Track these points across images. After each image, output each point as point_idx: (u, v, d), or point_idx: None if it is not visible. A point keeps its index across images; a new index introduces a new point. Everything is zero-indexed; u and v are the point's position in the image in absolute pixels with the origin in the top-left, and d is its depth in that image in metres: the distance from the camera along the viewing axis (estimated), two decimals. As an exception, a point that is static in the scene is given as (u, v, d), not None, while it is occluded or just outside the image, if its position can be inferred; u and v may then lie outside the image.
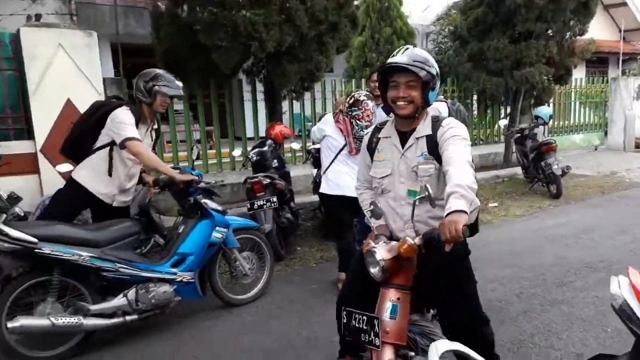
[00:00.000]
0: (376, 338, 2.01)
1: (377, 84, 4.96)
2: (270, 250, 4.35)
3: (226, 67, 6.17)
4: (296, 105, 8.16)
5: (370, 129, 2.58)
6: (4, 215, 4.05)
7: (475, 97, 10.73)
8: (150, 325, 3.68)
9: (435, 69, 2.28)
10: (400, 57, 2.25)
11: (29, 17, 5.65)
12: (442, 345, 1.84)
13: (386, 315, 2.07)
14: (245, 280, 4.13)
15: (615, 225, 6.13)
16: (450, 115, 4.39)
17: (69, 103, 5.33)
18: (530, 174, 8.37)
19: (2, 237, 2.95)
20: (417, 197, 2.14)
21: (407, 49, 2.31)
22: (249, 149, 6.33)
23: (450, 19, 11.63)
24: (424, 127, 2.32)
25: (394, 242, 2.16)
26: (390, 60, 2.28)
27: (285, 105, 7.82)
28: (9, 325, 2.97)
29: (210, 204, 3.83)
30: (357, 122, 4.02)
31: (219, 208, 3.88)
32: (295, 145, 6.61)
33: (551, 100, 12.03)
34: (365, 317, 2.06)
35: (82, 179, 3.64)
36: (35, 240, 3.00)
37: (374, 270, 2.10)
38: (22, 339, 3.17)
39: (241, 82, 7.61)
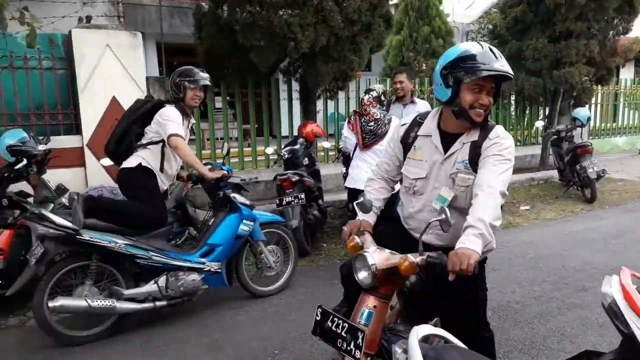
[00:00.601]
0: (357, 350, 1.91)
1: (401, 84, 5.09)
2: (294, 244, 4.51)
3: (263, 66, 6.35)
4: (331, 105, 8.27)
5: (409, 119, 2.46)
6: (52, 205, 4.40)
7: (513, 97, 10.53)
8: (178, 311, 3.90)
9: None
10: (503, 64, 2.07)
11: (80, 19, 5.99)
12: (423, 329, 1.84)
13: (360, 321, 2.02)
14: (270, 273, 4.30)
15: (648, 232, 5.98)
16: None
17: (114, 100, 5.66)
18: (566, 177, 8.18)
19: (47, 224, 3.23)
20: (446, 204, 2.08)
21: (496, 51, 2.10)
22: (282, 146, 6.49)
23: (489, 18, 11.43)
24: (473, 131, 2.19)
25: (388, 251, 2.06)
26: (495, 66, 2.05)
27: (320, 104, 7.96)
28: (50, 304, 3.23)
29: (239, 198, 4.01)
30: (362, 118, 4.35)
31: (247, 202, 4.06)
32: (327, 144, 6.72)
33: (593, 102, 11.68)
34: (346, 325, 1.98)
35: (148, 166, 3.70)
36: (76, 227, 3.25)
37: (362, 275, 2.01)
38: (62, 319, 3.45)
39: (278, 82, 7.78)
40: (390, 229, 2.49)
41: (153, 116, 3.71)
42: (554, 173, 8.98)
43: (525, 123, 10.99)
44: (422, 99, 9.12)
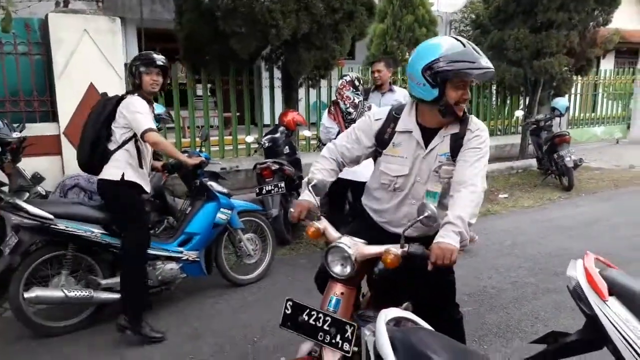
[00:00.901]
0: (346, 343, 1.89)
1: (379, 73, 5.07)
2: (272, 233, 4.52)
3: (244, 53, 6.29)
4: (313, 93, 8.25)
5: (382, 113, 2.36)
6: (27, 194, 4.33)
7: (494, 87, 10.61)
8: (158, 300, 3.86)
9: None
10: (487, 60, 2.07)
11: (57, 3, 5.84)
12: (390, 312, 1.89)
13: (328, 308, 2.01)
14: (249, 261, 4.31)
15: (622, 218, 6.10)
16: None
17: (92, 87, 5.56)
18: (544, 165, 8.31)
19: (21, 214, 3.17)
20: (437, 198, 2.15)
21: (476, 47, 2.09)
22: (263, 135, 6.46)
23: (472, 7, 11.46)
24: (452, 124, 2.20)
25: (360, 241, 2.05)
26: (482, 63, 2.04)
27: (302, 92, 7.92)
28: (26, 295, 3.18)
29: (216, 186, 3.99)
30: (342, 103, 4.38)
31: (224, 191, 4.04)
32: (308, 133, 6.71)
33: (573, 92, 11.82)
34: (329, 319, 1.94)
35: (132, 177, 3.41)
36: (51, 216, 3.21)
37: (339, 269, 2.01)
38: (39, 310, 3.41)
39: (259, 69, 7.72)
40: (358, 220, 2.49)
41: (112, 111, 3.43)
42: (533, 162, 9.11)
43: (506, 112, 11.09)
44: (405, 87, 9.20)
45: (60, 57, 5.42)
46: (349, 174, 4.26)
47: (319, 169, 2.34)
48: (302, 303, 2.02)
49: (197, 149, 4.85)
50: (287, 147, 5.77)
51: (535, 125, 8.59)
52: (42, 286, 3.31)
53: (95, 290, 3.40)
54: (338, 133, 4.39)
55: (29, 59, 5.52)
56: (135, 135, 3.41)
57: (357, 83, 4.35)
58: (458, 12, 12.93)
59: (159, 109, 5.38)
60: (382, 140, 2.30)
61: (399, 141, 2.26)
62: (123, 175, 3.35)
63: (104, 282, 3.46)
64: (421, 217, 1.93)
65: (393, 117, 2.30)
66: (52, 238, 3.33)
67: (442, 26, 13.05)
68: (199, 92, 8.73)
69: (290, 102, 7.25)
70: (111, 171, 3.38)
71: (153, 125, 3.39)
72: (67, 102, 5.49)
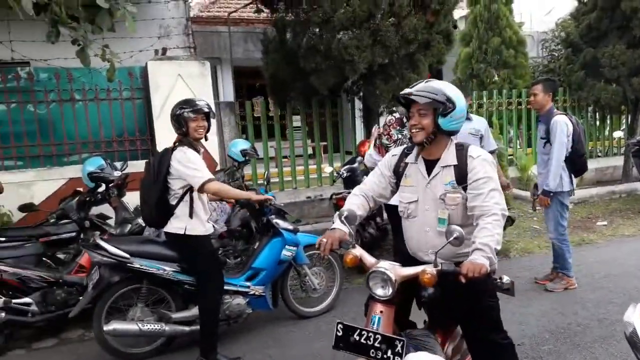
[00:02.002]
0: (397, 357, 2.07)
1: (534, 97, 4.81)
2: (340, 265, 4.51)
3: (323, 89, 6.53)
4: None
5: (397, 150, 2.64)
6: (129, 226, 4.78)
7: (590, 107, 9.94)
8: (233, 328, 4.01)
9: (445, 96, 2.30)
10: (406, 90, 2.38)
11: (156, 51, 6.49)
12: (414, 357, 1.99)
13: (371, 326, 2.19)
14: (315, 294, 4.35)
15: None
16: (575, 130, 4.42)
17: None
18: (650, 190, 7.60)
19: (102, 252, 3.48)
20: (446, 225, 2.31)
21: (418, 83, 2.40)
22: (344, 163, 6.60)
23: (563, 25, 10.91)
24: (448, 156, 2.40)
25: (396, 265, 2.26)
26: (400, 93, 2.42)
27: (382, 121, 8.00)
28: (105, 328, 3.46)
29: (282, 223, 4.06)
30: (382, 140, 4.52)
31: (290, 227, 4.10)
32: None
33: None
34: (380, 337, 2.12)
35: (193, 231, 3.48)
36: (127, 256, 3.48)
37: (382, 292, 2.21)
38: (119, 338, 3.65)
39: (341, 100, 7.93)
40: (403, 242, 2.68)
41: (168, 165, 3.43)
42: (638, 185, 8.36)
43: (607, 133, 10.33)
44: (490, 112, 8.93)
45: (157, 100, 5.98)
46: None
47: (350, 203, 2.58)
48: (352, 324, 2.20)
49: (263, 189, 5.03)
50: (364, 176, 5.80)
51: (638, 147, 7.90)
52: (119, 320, 3.56)
53: (167, 324, 3.60)
54: None
55: (132, 102, 6.16)
56: (190, 188, 3.44)
57: (405, 120, 4.41)
58: (549, 31, 12.36)
59: (245, 144, 5.70)
60: (398, 173, 2.56)
61: (409, 173, 2.51)
62: (185, 229, 3.45)
63: (174, 316, 3.65)
64: (450, 238, 2.11)
65: (405, 152, 2.57)
66: (129, 275, 3.58)
67: (532, 46, 12.53)
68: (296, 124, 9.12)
69: (370, 131, 7.34)
70: (175, 225, 3.48)
71: (209, 175, 3.42)
72: (165, 140, 5.98)
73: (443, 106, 2.30)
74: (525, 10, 13.71)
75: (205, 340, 3.53)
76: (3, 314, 3.79)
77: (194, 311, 3.67)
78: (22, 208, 4.93)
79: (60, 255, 4.69)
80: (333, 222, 5.08)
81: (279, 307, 4.21)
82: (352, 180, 5.78)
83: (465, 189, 2.33)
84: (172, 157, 3.41)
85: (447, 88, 2.36)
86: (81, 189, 4.87)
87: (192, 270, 3.63)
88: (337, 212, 2.46)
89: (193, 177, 3.38)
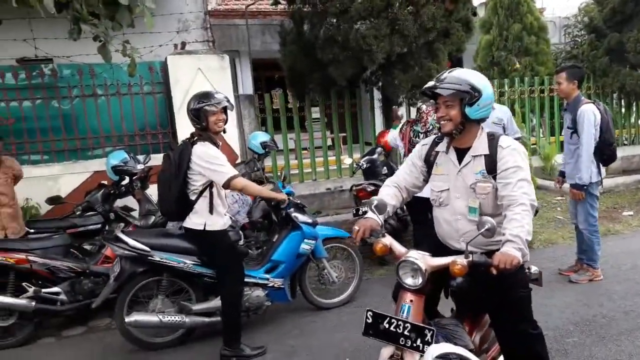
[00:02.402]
0: (426, 346, 2.09)
1: (559, 86, 4.73)
2: (360, 258, 4.50)
3: (341, 79, 6.50)
4: (414, 111, 8.21)
5: (428, 139, 2.65)
6: (153, 217, 4.86)
7: (615, 94, 9.71)
8: (255, 318, 4.03)
9: (470, 84, 2.29)
10: (430, 83, 2.38)
11: (176, 45, 6.55)
12: (438, 348, 1.99)
13: (400, 314, 2.21)
14: (333, 287, 4.36)
15: None
16: (603, 118, 4.32)
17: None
18: (678, 178, 7.42)
19: (123, 245, 3.53)
20: (477, 214, 2.33)
21: (443, 73, 2.39)
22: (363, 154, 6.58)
23: (586, 10, 10.65)
24: (479, 145, 2.40)
25: (426, 254, 2.25)
26: (424, 87, 2.41)
27: (402, 110, 7.96)
28: (126, 319, 3.52)
29: (301, 217, 4.07)
30: (413, 127, 4.50)
31: (309, 220, 4.11)
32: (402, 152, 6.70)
33: None
34: (409, 325, 2.14)
35: (213, 227, 3.49)
36: (147, 249, 3.53)
37: (412, 281, 2.21)
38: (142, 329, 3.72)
39: (359, 91, 7.90)
40: (421, 234, 2.70)
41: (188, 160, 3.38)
42: (666, 174, 8.17)
43: (632, 120, 10.08)
44: (512, 100, 8.80)
45: (178, 94, 6.05)
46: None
47: (381, 193, 2.61)
48: (382, 312, 2.21)
49: (281, 182, 5.03)
50: (385, 167, 5.83)
51: (664, 134, 7.73)
52: (140, 311, 3.62)
53: (187, 315, 3.66)
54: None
55: (153, 97, 6.24)
56: (211, 184, 3.43)
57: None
58: (571, 16, 12.08)
59: (264, 136, 5.73)
60: (429, 162, 2.58)
61: (440, 161, 2.53)
62: (205, 225, 3.45)
63: (195, 307, 3.70)
64: (482, 230, 2.10)
65: (435, 142, 2.58)
66: (149, 267, 3.63)
67: (554, 32, 12.28)
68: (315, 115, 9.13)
69: (390, 121, 7.31)
70: (194, 221, 3.47)
71: (234, 171, 3.40)
72: (186, 133, 5.98)
73: (469, 96, 2.28)
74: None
75: (228, 331, 3.58)
76: (33, 303, 3.91)
77: (214, 303, 3.72)
78: (49, 200, 5.07)
79: (87, 247, 4.81)
80: (354, 213, 5.18)
81: (299, 299, 4.24)
82: (371, 172, 5.78)
83: (495, 178, 2.33)
84: (193, 152, 3.36)
85: (471, 76, 2.34)
86: (105, 182, 4.98)
87: (211, 263, 3.67)
88: (368, 201, 2.48)
89: (218, 174, 3.35)
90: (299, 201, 4.26)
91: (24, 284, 3.95)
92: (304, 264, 4.20)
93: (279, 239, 4.09)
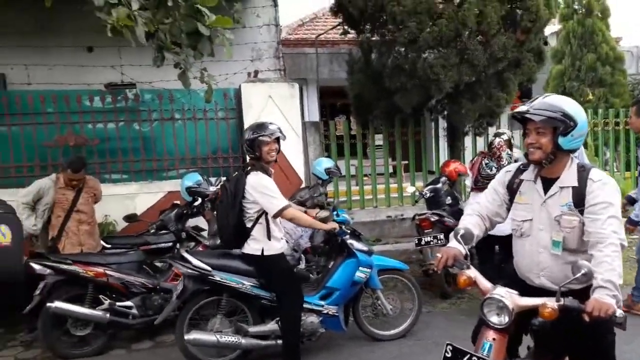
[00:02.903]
0: None
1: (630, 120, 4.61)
2: (418, 290, 4.33)
3: (407, 107, 6.47)
4: (480, 141, 7.99)
5: (512, 166, 2.54)
6: (220, 238, 4.93)
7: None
8: (317, 343, 3.99)
9: (564, 113, 2.16)
10: (522, 107, 2.25)
11: (249, 74, 6.77)
12: None
13: (481, 352, 2.12)
14: (387, 319, 4.23)
15: None
16: None
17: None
18: None
19: (186, 264, 3.60)
20: (560, 248, 2.23)
21: (536, 98, 2.27)
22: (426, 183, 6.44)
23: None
24: (568, 176, 2.26)
25: (514, 293, 2.15)
26: (515, 110, 2.29)
27: (468, 140, 7.75)
28: (186, 337, 3.56)
29: (356, 244, 3.98)
30: (484, 159, 4.36)
31: (365, 248, 4.01)
32: (470, 183, 6.51)
33: None
34: None
35: (270, 251, 3.55)
36: (209, 268, 3.57)
37: (497, 319, 2.12)
38: (200, 347, 3.73)
39: (424, 119, 7.80)
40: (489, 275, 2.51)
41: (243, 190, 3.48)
42: None
43: None
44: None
45: (249, 120, 6.17)
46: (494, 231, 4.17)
47: (465, 222, 2.51)
48: (463, 348, 2.14)
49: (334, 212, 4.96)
50: (448, 197, 5.66)
51: None
52: (199, 330, 3.65)
53: (243, 337, 3.65)
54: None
55: (226, 122, 6.44)
56: (265, 212, 3.49)
57: (512, 142, 4.24)
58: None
59: (329, 162, 5.75)
60: (512, 189, 2.45)
61: (524, 190, 2.40)
62: (262, 250, 3.52)
63: (251, 329, 3.69)
64: (578, 274, 2.00)
65: (520, 169, 2.46)
66: (210, 287, 3.67)
67: (631, 62, 11.65)
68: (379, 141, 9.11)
69: (454, 151, 7.16)
70: (252, 246, 3.54)
71: (284, 202, 3.48)
72: (254, 157, 6.22)
73: (563, 125, 2.16)
74: (626, 25, 12.85)
75: (288, 355, 3.56)
76: (108, 315, 4.06)
77: (270, 326, 3.71)
78: (126, 218, 5.30)
79: (158, 264, 4.97)
80: (416, 243, 5.04)
81: (352, 327, 4.14)
82: (435, 201, 5.63)
83: (582, 212, 2.20)
84: (247, 181, 3.46)
85: (566, 104, 2.21)
86: (178, 202, 5.15)
87: (269, 286, 3.68)
88: (453, 231, 2.42)
89: (269, 204, 3.44)
90: (351, 229, 4.20)
91: (100, 296, 4.12)
92: (358, 292, 4.10)
93: (334, 265, 4.03)
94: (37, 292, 3.96)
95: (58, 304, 3.93)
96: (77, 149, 5.90)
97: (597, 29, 10.33)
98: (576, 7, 10.77)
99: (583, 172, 2.24)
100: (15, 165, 5.81)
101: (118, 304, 4.15)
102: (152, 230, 4.99)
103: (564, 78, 10.60)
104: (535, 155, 2.25)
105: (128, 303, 4.20)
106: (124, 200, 5.98)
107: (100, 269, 4.11)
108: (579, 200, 2.21)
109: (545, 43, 7.73)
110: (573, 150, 2.27)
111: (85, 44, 7.19)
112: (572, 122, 2.16)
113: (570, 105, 2.20)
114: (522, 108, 2.24)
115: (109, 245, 4.89)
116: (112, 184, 6.04)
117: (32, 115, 5.85)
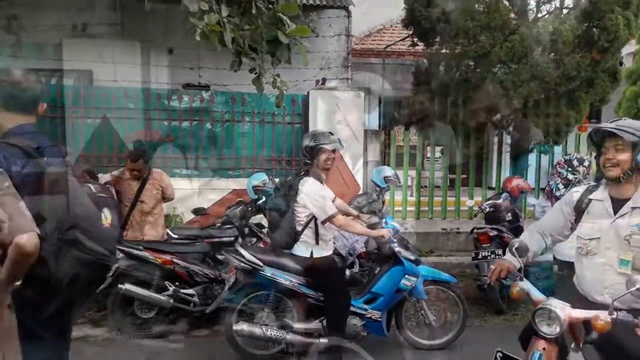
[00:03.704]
0: None
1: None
2: (464, 304, 4.19)
3: (471, 121, 6.31)
4: (545, 159, 7.64)
5: (581, 187, 2.53)
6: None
7: None
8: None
9: None
10: (606, 124, 2.28)
11: (317, 81, 6.84)
12: None
13: None
14: (429, 329, 4.11)
15: None
16: None
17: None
18: None
19: (240, 257, 3.63)
20: (629, 267, 2.18)
21: (617, 119, 2.29)
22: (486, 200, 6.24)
23: None
24: (638, 196, 2.25)
25: (567, 305, 2.12)
26: (604, 125, 2.30)
27: (532, 158, 7.44)
28: (234, 327, 3.61)
29: (404, 252, 3.90)
30: (553, 180, 4.13)
31: (412, 257, 3.93)
32: (534, 201, 6.23)
33: None
34: None
35: (319, 254, 3.59)
36: (261, 264, 3.60)
37: (549, 329, 2.10)
38: (245, 339, 3.77)
39: (488, 134, 7.56)
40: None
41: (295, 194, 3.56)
42: None
43: None
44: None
45: (315, 125, 6.23)
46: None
47: (523, 236, 2.54)
48: (513, 355, 2.17)
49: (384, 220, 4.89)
50: (509, 213, 5.45)
51: None
52: (248, 322, 3.69)
53: (288, 332, 3.66)
54: None
55: (292, 127, 6.54)
56: (313, 217, 3.52)
57: (575, 163, 4.01)
58: None
59: (389, 171, 5.68)
60: (580, 209, 2.43)
61: (593, 209, 2.38)
62: (312, 253, 3.56)
63: (296, 326, 3.69)
64: (632, 288, 1.98)
65: (589, 190, 2.44)
66: (260, 281, 3.69)
67: None
68: (428, 154, 8.95)
69: (517, 167, 6.88)
70: (301, 249, 3.60)
71: (333, 210, 3.50)
72: (316, 162, 6.26)
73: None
74: None
75: (330, 354, 3.56)
76: (172, 301, 4.20)
77: (314, 324, 3.71)
78: (195, 211, 5.46)
79: (219, 256, 5.09)
80: (473, 257, 4.89)
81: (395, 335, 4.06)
82: (494, 216, 5.43)
83: None
84: (300, 187, 3.53)
85: None
86: (243, 199, 5.26)
87: (317, 286, 3.69)
88: (509, 243, 2.42)
89: (319, 211, 3.49)
90: (399, 237, 4.13)
91: (166, 282, 4.27)
92: (402, 300, 4.02)
93: (380, 271, 3.97)
94: (110, 273, 4.15)
95: (128, 286, 4.11)
96: (152, 145, 6.14)
97: (679, 50, 9.62)
98: (656, 27, 10.10)
99: None
100: (97, 155, 6.14)
101: (182, 291, 4.28)
102: (218, 225, 5.11)
103: (638, 100, 9.90)
104: (613, 172, 2.25)
105: (191, 291, 4.32)
106: (192, 194, 6.18)
107: (168, 257, 4.27)
108: None
109: (621, 63, 7.31)
110: None
111: (166, 46, 7.53)
112: None
113: None
114: (607, 125, 2.25)
115: (175, 236, 5.06)
116: (181, 179, 6.26)
117: (115, 110, 6.17)
